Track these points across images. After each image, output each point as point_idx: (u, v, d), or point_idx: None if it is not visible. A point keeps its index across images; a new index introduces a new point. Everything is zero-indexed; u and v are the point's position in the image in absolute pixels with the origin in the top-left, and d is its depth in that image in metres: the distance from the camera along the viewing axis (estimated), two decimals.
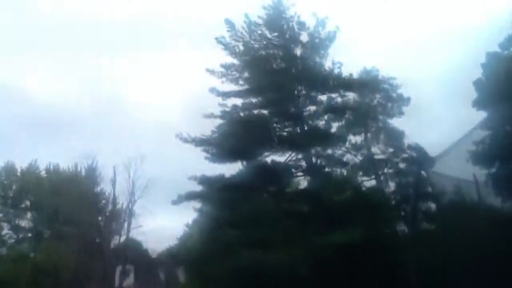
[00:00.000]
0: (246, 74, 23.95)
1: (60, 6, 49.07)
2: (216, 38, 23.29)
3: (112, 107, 48.88)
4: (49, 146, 42.77)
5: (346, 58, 23.27)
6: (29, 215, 41.98)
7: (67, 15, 48.16)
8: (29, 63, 49.44)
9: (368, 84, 23.13)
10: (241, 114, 23.32)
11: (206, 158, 22.54)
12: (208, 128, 22.79)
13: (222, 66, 23.50)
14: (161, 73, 48.21)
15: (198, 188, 21.92)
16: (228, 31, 23.31)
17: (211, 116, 22.86)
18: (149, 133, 42.71)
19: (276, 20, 23.08)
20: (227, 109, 23.17)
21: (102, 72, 51.48)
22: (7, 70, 47.59)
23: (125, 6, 48.44)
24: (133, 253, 39.26)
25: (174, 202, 21.72)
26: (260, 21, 23.27)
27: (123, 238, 40.46)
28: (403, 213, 21.81)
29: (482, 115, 19.46)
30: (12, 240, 40.92)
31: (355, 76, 23.07)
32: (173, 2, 46.45)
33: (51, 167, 42.85)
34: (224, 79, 23.65)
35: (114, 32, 48.55)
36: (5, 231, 41.06)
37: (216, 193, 21.54)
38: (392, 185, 23.00)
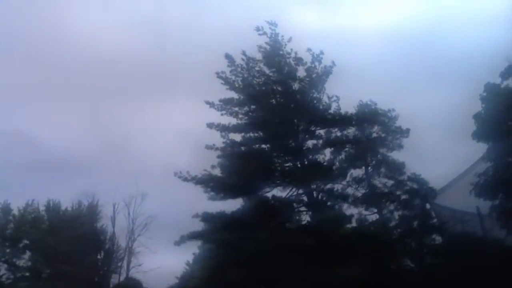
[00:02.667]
0: (245, 109, 24.08)
1: (65, 55, 50.15)
2: (217, 73, 23.53)
3: (113, 147, 49.02)
4: (51, 186, 42.73)
5: (342, 91, 23.58)
6: (27, 254, 41.36)
7: (73, 64, 49.00)
8: (32, 109, 50.33)
9: (366, 117, 23.22)
10: (242, 149, 23.30)
11: (206, 194, 22.44)
12: (208, 163, 22.77)
13: (221, 101, 23.62)
14: (162, 115, 48.67)
15: (199, 226, 21.78)
16: (228, 66, 23.60)
17: (213, 147, 22.88)
18: (149, 171, 42.62)
19: (274, 57, 23.36)
20: (228, 142, 23.23)
21: (104, 117, 52.06)
22: (13, 116, 48.50)
23: (126, 54, 49.29)
24: None
25: (177, 243, 21.47)
26: (258, 57, 23.58)
27: (122, 277, 39.77)
28: (407, 247, 21.50)
29: (484, 147, 19.46)
30: (10, 280, 40.19)
31: (353, 110, 23.24)
32: (172, 47, 47.17)
33: (51, 204, 42.52)
34: (224, 112, 23.78)
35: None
36: (2, 271, 40.40)
37: (218, 231, 21.32)
38: (395, 218, 22.69)
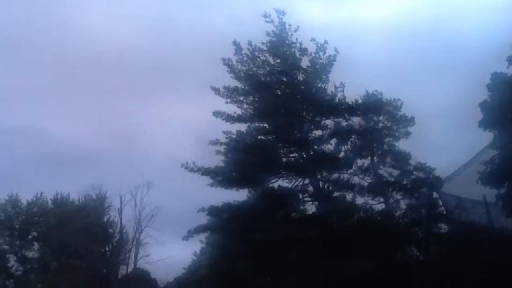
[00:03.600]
0: (250, 98, 24.05)
1: (76, 52, 50.44)
2: (223, 59, 23.51)
3: (119, 140, 49.32)
4: (59, 179, 43.16)
5: (348, 81, 23.52)
6: (36, 246, 41.76)
7: (85, 59, 49.24)
8: (40, 105, 50.84)
9: (372, 107, 23.08)
10: (247, 140, 23.29)
11: (212, 184, 22.45)
12: (214, 154, 22.84)
13: (226, 88, 23.59)
14: (167, 108, 48.87)
15: (206, 219, 21.81)
16: (234, 54, 23.55)
17: (217, 143, 22.89)
18: (155, 163, 42.80)
19: (279, 47, 23.26)
20: (233, 136, 23.20)
21: (110, 110, 52.44)
22: (22, 112, 48.95)
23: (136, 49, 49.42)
24: (141, 283, 38.76)
25: (185, 238, 21.68)
26: (263, 47, 23.47)
27: (130, 268, 40.09)
28: (414, 237, 21.47)
29: (490, 136, 19.30)
30: (19, 272, 40.65)
31: (358, 100, 23.09)
32: (178, 40, 47.17)
33: (59, 197, 42.84)
34: (228, 99, 23.83)
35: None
36: (11, 263, 40.86)
37: (224, 222, 21.39)
38: (401, 208, 22.66)
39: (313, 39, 23.08)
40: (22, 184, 42.08)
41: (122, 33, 50.58)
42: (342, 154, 23.24)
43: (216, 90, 23.66)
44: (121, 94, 50.62)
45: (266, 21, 23.12)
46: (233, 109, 23.78)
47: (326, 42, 23.09)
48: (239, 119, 23.59)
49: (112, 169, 44.41)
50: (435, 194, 21.74)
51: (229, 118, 23.40)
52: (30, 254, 41.50)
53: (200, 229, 21.75)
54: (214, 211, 21.47)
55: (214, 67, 23.94)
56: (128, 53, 48.89)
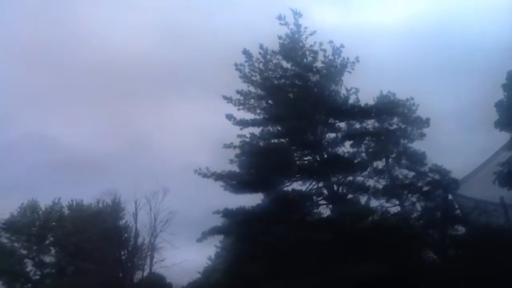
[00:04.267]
0: (263, 103, 24.03)
1: (87, 57, 51.23)
2: (235, 64, 23.54)
3: (134, 145, 49.81)
4: (74, 185, 43.79)
5: (361, 83, 23.37)
6: (52, 251, 42.25)
7: (97, 65, 49.86)
8: (58, 113, 51.59)
9: (385, 109, 22.89)
10: (260, 143, 23.27)
11: (225, 188, 22.45)
12: (227, 160, 22.82)
13: (239, 93, 23.61)
14: (181, 113, 49.29)
15: (220, 221, 21.78)
16: (245, 61, 23.57)
17: (231, 146, 22.92)
18: (170, 168, 43.16)
19: (292, 50, 23.22)
20: (246, 139, 23.22)
21: (125, 116, 52.97)
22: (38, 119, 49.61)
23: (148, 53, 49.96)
24: None
25: (199, 240, 21.55)
26: (276, 50, 23.47)
27: (146, 273, 40.36)
28: (430, 239, 21.21)
29: (506, 136, 19.07)
30: (37, 277, 41.14)
31: (372, 102, 22.96)
32: (190, 45, 47.59)
33: (74, 204, 43.28)
34: (241, 106, 23.78)
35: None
36: (29, 268, 41.41)
37: (238, 226, 21.35)
38: (417, 210, 22.38)
39: (330, 42, 23.02)
40: (39, 191, 42.88)
41: (134, 39, 51.24)
42: (356, 157, 23.05)
43: (228, 99, 23.68)
44: (136, 100, 51.42)
45: (280, 24, 23.05)
46: (246, 115, 23.80)
47: (342, 46, 23.04)
48: (253, 123, 23.55)
49: (127, 175, 44.96)
50: (451, 196, 21.55)
51: (242, 122, 23.40)
52: (47, 259, 42.04)
53: (214, 231, 21.62)
54: (228, 213, 21.41)
55: (227, 72, 24.00)
56: (142, 59, 49.47)
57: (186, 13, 51.66)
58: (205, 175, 22.21)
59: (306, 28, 23.17)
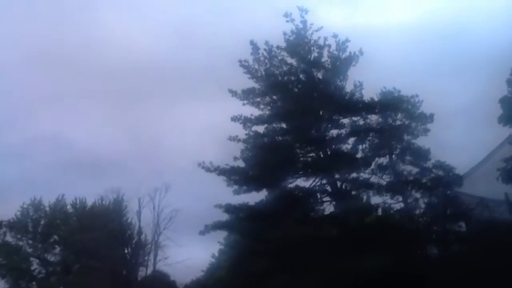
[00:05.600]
0: (267, 99, 24.09)
1: (97, 62, 51.79)
2: (240, 61, 23.64)
3: (141, 144, 50.08)
4: (81, 183, 44.13)
5: (366, 79, 23.42)
6: (57, 249, 42.39)
7: (105, 68, 50.31)
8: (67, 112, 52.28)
9: (389, 105, 22.88)
10: (265, 140, 23.31)
11: (229, 185, 22.52)
12: (232, 154, 22.86)
13: (244, 91, 23.68)
14: (186, 112, 49.57)
15: (224, 216, 21.83)
16: (251, 54, 23.65)
17: (235, 139, 22.98)
18: (173, 166, 43.19)
19: (297, 45, 23.26)
20: (251, 134, 23.30)
21: (128, 114, 53.42)
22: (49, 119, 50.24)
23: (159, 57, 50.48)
24: (161, 285, 39.00)
25: (202, 233, 21.60)
26: (281, 46, 23.53)
27: (150, 270, 40.39)
28: (434, 235, 21.22)
29: (510, 132, 19.07)
30: (42, 275, 41.30)
31: (376, 97, 22.95)
32: (198, 46, 47.91)
33: (78, 202, 43.45)
34: (245, 101, 23.86)
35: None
36: (34, 266, 41.57)
37: (242, 222, 21.41)
38: (421, 206, 22.38)
39: (334, 35, 23.11)
40: (45, 189, 43.07)
41: (143, 42, 51.73)
42: (360, 153, 23.09)
43: (233, 93, 23.74)
44: (141, 99, 51.54)
45: (287, 21, 23.18)
46: (250, 111, 23.85)
47: (347, 40, 23.10)
48: (257, 120, 23.60)
49: (134, 173, 45.31)
50: (454, 192, 21.54)
51: (247, 120, 23.45)
52: (52, 257, 42.19)
53: (218, 226, 21.62)
54: (231, 209, 21.47)
55: (234, 70, 24.07)
56: (149, 59, 49.79)
57: (197, 14, 51.77)
58: (208, 169, 22.25)
59: (312, 24, 23.31)
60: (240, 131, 23.41)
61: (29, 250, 41.66)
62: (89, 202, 43.36)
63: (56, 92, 52.22)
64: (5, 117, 49.30)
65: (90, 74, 51.95)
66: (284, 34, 23.29)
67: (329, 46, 23.23)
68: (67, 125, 53.00)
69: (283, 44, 23.60)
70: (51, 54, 50.70)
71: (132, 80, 50.76)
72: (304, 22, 23.29)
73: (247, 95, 23.75)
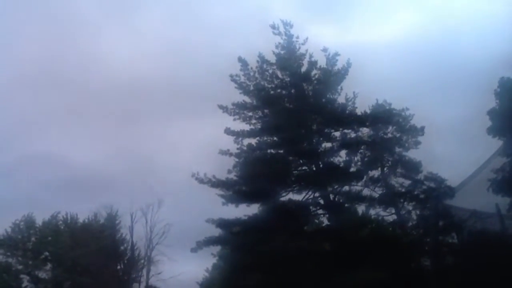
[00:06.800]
0: (259, 113, 24.18)
1: (90, 80, 52.35)
2: (231, 76, 23.75)
3: (136, 161, 50.17)
4: (76, 200, 44.12)
5: (356, 92, 23.62)
6: (48, 266, 41.91)
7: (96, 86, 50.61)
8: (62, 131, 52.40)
9: (380, 118, 23.08)
10: (257, 153, 23.34)
11: (222, 201, 22.48)
12: (224, 169, 22.86)
13: (234, 105, 23.76)
14: (178, 129, 49.88)
15: (216, 231, 21.76)
16: (241, 70, 23.80)
17: (227, 153, 23.00)
18: (169, 182, 43.16)
19: (288, 59, 23.47)
20: (244, 147, 23.33)
21: (120, 131, 53.68)
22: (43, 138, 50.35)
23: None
24: None
25: (193, 250, 21.48)
26: (271, 61, 23.72)
27: (142, 286, 40.09)
28: (427, 247, 21.29)
29: (499, 144, 19.28)
30: None
31: (367, 110, 23.15)
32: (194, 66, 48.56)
33: (69, 217, 43.12)
34: (236, 116, 23.94)
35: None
36: (25, 283, 41.01)
37: (235, 236, 21.34)
38: (413, 218, 22.48)
39: (324, 49, 23.42)
40: (40, 207, 42.91)
41: (139, 61, 52.32)
42: (352, 166, 23.19)
43: (223, 108, 23.82)
44: (134, 116, 51.87)
45: (274, 33, 23.44)
46: (242, 126, 23.97)
47: (337, 54, 23.38)
48: (249, 134, 23.66)
49: (127, 189, 45.05)
50: (446, 204, 21.67)
51: (240, 134, 23.51)
52: (44, 274, 41.68)
53: (210, 242, 21.57)
54: (223, 224, 21.39)
55: (227, 86, 24.22)
56: (141, 77, 50.31)
57: (191, 35, 52.60)
58: (201, 181, 22.20)
59: (298, 37, 23.58)
60: (232, 146, 23.50)
61: (19, 267, 41.10)
62: (83, 218, 43.22)
63: (50, 111, 52.41)
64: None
65: (83, 93, 52.32)
66: (276, 47, 23.57)
67: (319, 60, 23.52)
68: (60, 143, 53.03)
69: (273, 59, 23.83)
70: (46, 73, 51.19)
71: (125, 98, 51.13)
72: (290, 36, 23.57)
73: (238, 110, 23.83)
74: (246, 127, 23.86)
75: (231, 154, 23.02)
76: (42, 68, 51.62)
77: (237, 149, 23.31)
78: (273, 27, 23.47)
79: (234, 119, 23.86)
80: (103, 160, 49.99)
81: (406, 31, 45.99)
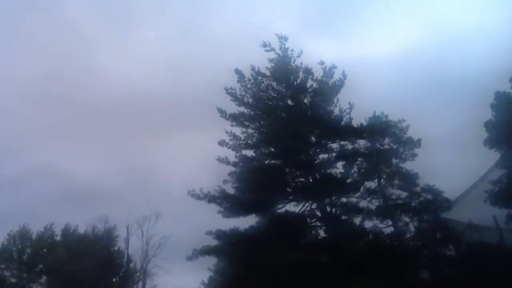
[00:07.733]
0: (256, 124, 24.21)
1: (93, 95, 52.70)
2: (226, 89, 23.79)
3: (134, 174, 50.29)
4: (73, 212, 44.08)
5: (353, 103, 23.66)
6: (43, 279, 41.54)
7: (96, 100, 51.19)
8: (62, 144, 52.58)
9: (377, 129, 23.09)
10: (254, 164, 23.32)
11: (219, 212, 22.39)
12: (221, 180, 22.83)
13: (231, 115, 23.78)
14: (176, 142, 50.13)
15: (213, 242, 21.63)
16: (237, 81, 23.85)
17: (225, 161, 22.95)
18: (163, 194, 43.16)
19: (283, 71, 23.56)
20: (240, 159, 23.33)
21: (117, 145, 53.88)
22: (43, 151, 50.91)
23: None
24: None
25: (189, 258, 21.40)
26: (267, 73, 23.80)
27: None
28: (424, 259, 21.19)
29: (496, 156, 19.32)
30: None
31: (364, 122, 23.20)
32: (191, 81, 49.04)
33: (69, 229, 42.89)
34: (234, 123, 23.95)
35: None
36: None
37: (232, 248, 21.22)
38: (410, 230, 22.39)
39: (321, 62, 23.47)
40: (38, 219, 42.91)
41: (136, 78, 52.69)
42: (349, 177, 23.15)
43: (222, 113, 23.81)
44: (133, 130, 52.22)
45: (266, 50, 23.59)
46: (239, 135, 23.97)
47: (334, 66, 23.47)
48: (246, 146, 23.68)
49: (125, 202, 45.13)
50: (443, 216, 21.63)
51: (235, 146, 23.51)
52: (39, 287, 41.30)
53: (206, 251, 21.47)
54: (221, 235, 21.33)
55: (225, 101, 24.31)
56: (141, 91, 50.72)
57: (190, 50, 53.20)
58: (198, 197, 22.16)
59: (292, 50, 23.69)
60: (231, 154, 23.56)
61: (14, 280, 40.73)
62: (80, 231, 43.01)
63: (50, 125, 52.69)
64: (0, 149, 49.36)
65: (82, 106, 52.79)
66: (270, 61, 23.71)
67: (315, 72, 23.59)
68: (60, 156, 53.36)
69: (268, 68, 23.95)
70: (47, 87, 51.52)
71: (123, 112, 51.50)
72: (285, 49, 23.67)
73: (236, 119, 23.86)
74: (243, 136, 23.91)
75: (229, 163, 23.00)
76: (43, 82, 51.98)
77: (236, 157, 23.34)
78: (264, 45, 23.60)
79: (232, 125, 23.93)
80: (102, 172, 50.34)
81: (404, 45, 46.72)
